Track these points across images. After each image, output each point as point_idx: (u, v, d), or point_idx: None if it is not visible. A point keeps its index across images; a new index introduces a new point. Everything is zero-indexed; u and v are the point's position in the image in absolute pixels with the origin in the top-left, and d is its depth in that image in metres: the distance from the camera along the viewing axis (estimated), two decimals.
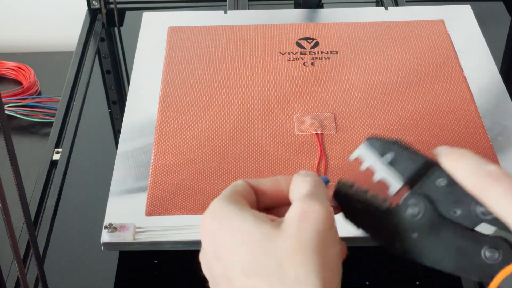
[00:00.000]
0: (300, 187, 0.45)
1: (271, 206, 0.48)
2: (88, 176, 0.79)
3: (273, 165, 0.68)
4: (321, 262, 0.41)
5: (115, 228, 0.62)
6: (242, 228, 0.43)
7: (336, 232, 0.44)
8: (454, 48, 0.83)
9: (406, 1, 0.99)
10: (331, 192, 0.48)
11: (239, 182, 0.48)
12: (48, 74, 1.07)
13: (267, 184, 0.48)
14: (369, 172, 0.48)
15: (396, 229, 0.45)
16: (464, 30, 0.86)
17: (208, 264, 0.45)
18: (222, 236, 0.43)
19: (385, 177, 0.47)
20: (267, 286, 0.41)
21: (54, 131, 0.84)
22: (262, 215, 0.44)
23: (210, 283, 0.45)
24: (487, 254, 0.43)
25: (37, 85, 1.04)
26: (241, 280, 0.42)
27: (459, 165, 0.45)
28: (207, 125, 0.73)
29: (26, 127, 0.97)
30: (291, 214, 0.43)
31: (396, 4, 0.99)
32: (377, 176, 0.47)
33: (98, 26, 1.03)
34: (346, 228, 0.47)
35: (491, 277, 0.42)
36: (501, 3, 1.06)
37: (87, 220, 0.73)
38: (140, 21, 0.90)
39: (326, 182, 0.49)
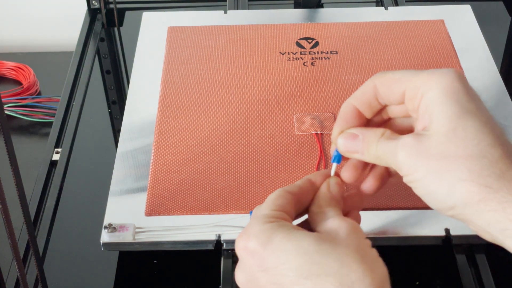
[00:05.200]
0: (326, 214, 0.50)
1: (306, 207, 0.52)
2: (88, 176, 0.79)
3: (273, 165, 0.68)
4: (374, 258, 0.46)
5: (114, 228, 0.62)
6: (291, 238, 0.46)
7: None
8: (454, 48, 0.83)
9: (406, 1, 0.99)
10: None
11: (277, 194, 0.50)
12: (48, 74, 1.07)
13: (303, 185, 0.52)
14: None
15: None
16: (464, 30, 0.86)
17: (251, 278, 0.47)
18: (270, 250, 0.46)
19: None
20: (335, 282, 0.44)
21: (54, 131, 0.84)
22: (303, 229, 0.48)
23: None
24: None
25: (36, 85, 1.04)
26: (298, 284, 0.45)
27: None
28: (207, 125, 0.73)
29: (26, 127, 0.97)
30: (335, 224, 0.48)
31: (396, 4, 0.99)
32: None
33: (98, 26, 1.03)
34: None
35: None
36: (501, 3, 1.06)
37: (87, 220, 0.73)
38: (140, 21, 0.90)
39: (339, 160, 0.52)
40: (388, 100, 0.51)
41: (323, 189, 0.51)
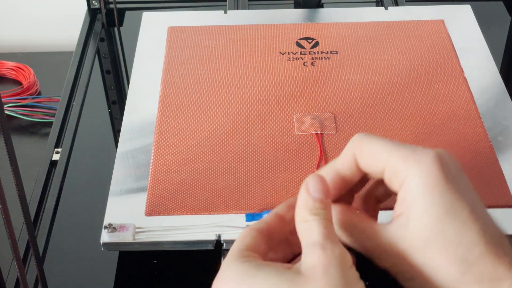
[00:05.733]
0: (311, 232, 0.45)
1: (281, 239, 0.49)
2: (88, 176, 0.79)
3: (273, 165, 0.68)
4: None
5: (114, 228, 0.62)
6: (265, 281, 0.43)
7: (355, 269, 0.45)
8: (454, 48, 0.83)
9: (406, 1, 0.99)
10: None
11: (244, 233, 0.48)
12: (48, 74, 1.07)
13: (271, 221, 0.49)
14: None
15: None
16: (464, 30, 0.86)
17: None
18: None
19: None
20: None
21: (54, 131, 0.84)
22: (278, 264, 0.45)
23: None
24: None
25: (36, 85, 1.04)
26: None
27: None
28: (207, 125, 0.73)
29: (26, 127, 0.97)
30: (313, 259, 0.44)
31: (396, 4, 0.99)
32: None
33: (98, 26, 1.03)
34: None
35: None
36: (501, 3, 1.06)
37: (87, 220, 0.73)
38: (140, 21, 0.90)
39: None
40: (367, 171, 0.48)
41: (302, 194, 0.47)
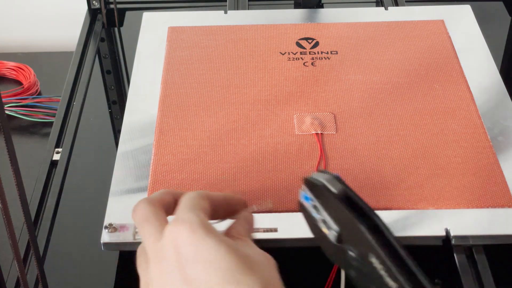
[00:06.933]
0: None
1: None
2: (88, 176, 0.79)
3: (273, 165, 0.68)
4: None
5: (115, 228, 0.62)
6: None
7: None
8: (454, 48, 0.83)
9: (406, 1, 0.99)
10: None
11: (191, 195, 0.50)
12: (48, 74, 1.07)
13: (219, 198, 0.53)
14: None
15: (339, 258, 0.49)
16: (464, 30, 0.86)
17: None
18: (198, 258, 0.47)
19: (328, 220, 0.49)
20: None
21: (54, 131, 0.84)
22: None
23: None
24: None
25: (37, 85, 1.04)
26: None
27: None
28: (207, 125, 0.73)
29: (26, 127, 0.97)
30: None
31: (396, 4, 0.99)
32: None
33: (98, 26, 1.03)
34: None
35: None
36: (501, 3, 1.06)
37: (87, 220, 0.73)
38: (140, 21, 0.90)
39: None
40: None
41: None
